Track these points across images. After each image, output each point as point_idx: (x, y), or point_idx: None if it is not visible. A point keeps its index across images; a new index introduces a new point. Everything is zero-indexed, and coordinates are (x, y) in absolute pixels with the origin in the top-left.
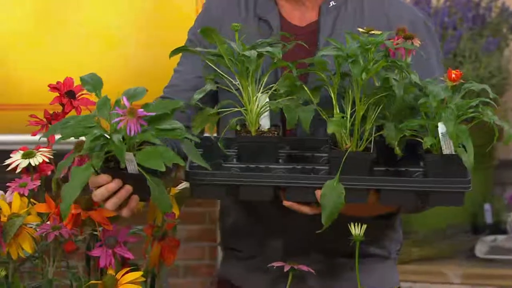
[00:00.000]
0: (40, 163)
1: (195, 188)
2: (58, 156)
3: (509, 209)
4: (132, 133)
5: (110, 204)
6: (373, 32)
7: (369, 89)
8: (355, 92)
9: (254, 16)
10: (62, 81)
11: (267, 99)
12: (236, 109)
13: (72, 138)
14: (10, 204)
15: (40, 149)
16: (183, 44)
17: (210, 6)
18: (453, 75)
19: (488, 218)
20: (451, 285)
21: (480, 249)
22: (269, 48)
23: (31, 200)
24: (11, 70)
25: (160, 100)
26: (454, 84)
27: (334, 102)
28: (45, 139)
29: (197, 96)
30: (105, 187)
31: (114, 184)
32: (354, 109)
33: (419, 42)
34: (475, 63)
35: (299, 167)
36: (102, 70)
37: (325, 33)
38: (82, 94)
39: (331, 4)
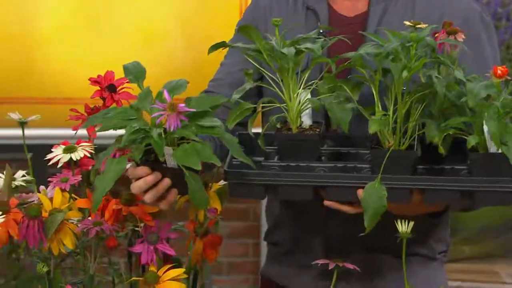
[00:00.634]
0: (81, 158)
1: (234, 188)
2: (99, 150)
3: None
4: (172, 128)
5: (149, 197)
6: (419, 26)
7: (413, 85)
8: (397, 89)
9: (302, 6)
10: (103, 75)
11: (309, 96)
12: (277, 106)
13: (113, 131)
14: (51, 199)
15: (81, 144)
16: (230, 37)
17: None
18: (499, 71)
19: None
20: (503, 284)
21: None
22: (308, 45)
23: (72, 195)
24: (54, 64)
25: (203, 94)
26: (499, 80)
27: (376, 99)
28: (86, 133)
29: (236, 95)
30: (143, 179)
31: (153, 177)
32: (397, 106)
33: (463, 37)
34: None
35: (340, 165)
36: (143, 64)
37: (373, 24)
38: (123, 88)
39: None
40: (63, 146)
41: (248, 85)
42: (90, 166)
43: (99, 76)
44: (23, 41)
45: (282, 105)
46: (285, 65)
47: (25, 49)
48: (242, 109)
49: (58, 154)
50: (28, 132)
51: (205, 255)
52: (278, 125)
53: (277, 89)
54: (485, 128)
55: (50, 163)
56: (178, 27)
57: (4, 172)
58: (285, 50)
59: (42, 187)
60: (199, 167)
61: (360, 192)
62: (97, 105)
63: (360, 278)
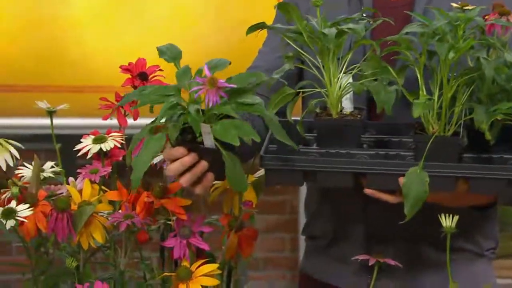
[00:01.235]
0: (111, 148)
1: (270, 174)
2: (129, 141)
3: None
4: (211, 103)
5: (185, 180)
6: (468, 7)
7: (461, 69)
8: (443, 72)
9: None
10: (134, 62)
11: (351, 80)
12: (317, 90)
13: (145, 122)
14: (80, 191)
15: (112, 134)
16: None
17: None
18: None
19: None
20: None
21: None
22: (351, 25)
23: (102, 187)
24: (83, 51)
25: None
26: None
27: (420, 83)
28: (116, 123)
29: (276, 76)
30: (180, 161)
31: (190, 158)
32: (442, 91)
33: None
34: None
35: (382, 153)
36: None
37: (420, 8)
38: (155, 76)
39: None
40: (93, 136)
41: (288, 66)
42: (120, 157)
43: (130, 63)
44: (52, 27)
45: (322, 90)
46: (326, 47)
47: (54, 35)
48: (284, 94)
49: (87, 145)
50: (57, 121)
51: (240, 250)
52: (318, 110)
53: (317, 73)
54: None
55: (80, 153)
56: (213, 11)
57: (32, 163)
58: (326, 31)
59: (71, 179)
60: (237, 143)
61: (401, 180)
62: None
63: (402, 273)
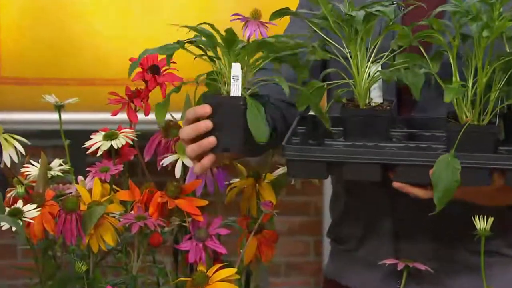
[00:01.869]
0: (122, 146)
1: (292, 166)
2: (141, 137)
3: None
4: (248, 33)
5: (185, 133)
6: None
7: (498, 53)
8: (477, 56)
9: None
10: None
11: (380, 69)
12: (344, 81)
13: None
14: (90, 191)
15: (123, 130)
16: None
17: None
18: None
19: None
20: None
21: None
22: (381, 8)
23: (113, 186)
24: (93, 42)
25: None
26: None
27: (453, 68)
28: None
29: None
30: (193, 126)
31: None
32: (477, 78)
33: None
34: None
35: (412, 145)
36: None
37: None
38: (167, 69)
39: None
40: (103, 133)
41: (312, 57)
42: (132, 155)
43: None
44: (59, 16)
45: (349, 80)
46: (353, 33)
47: (61, 25)
48: (313, 88)
49: (97, 141)
50: (65, 116)
51: (260, 253)
52: (344, 101)
53: (344, 62)
54: None
55: (89, 151)
56: (229, 2)
57: (39, 161)
58: (353, 13)
59: (80, 178)
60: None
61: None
62: (138, 88)
63: (431, 277)
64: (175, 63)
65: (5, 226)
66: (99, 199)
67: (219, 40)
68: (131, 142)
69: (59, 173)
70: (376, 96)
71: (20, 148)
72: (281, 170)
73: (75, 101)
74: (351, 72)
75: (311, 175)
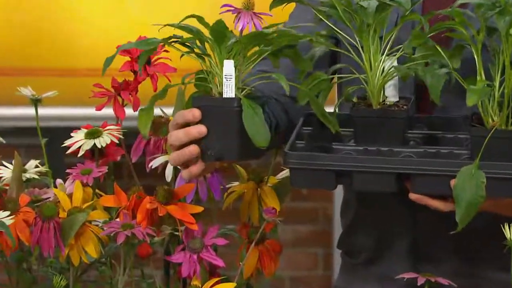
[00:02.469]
0: (107, 145)
1: (296, 174)
2: (129, 135)
3: None
4: (241, 25)
5: (173, 138)
6: None
7: None
8: (505, 53)
9: None
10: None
11: (395, 63)
12: (354, 76)
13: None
14: (70, 196)
15: (108, 127)
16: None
17: None
18: None
19: None
20: None
21: None
22: None
23: (97, 191)
24: (74, 27)
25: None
26: None
27: (477, 66)
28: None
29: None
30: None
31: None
32: (504, 76)
33: None
34: None
35: (432, 150)
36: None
37: None
38: (159, 59)
39: None
40: (86, 130)
41: (319, 50)
42: (118, 156)
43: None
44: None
45: (361, 75)
46: (365, 24)
47: (39, 9)
48: (318, 80)
49: (79, 140)
50: (42, 111)
51: (261, 266)
52: (355, 100)
53: (355, 56)
54: None
55: (69, 150)
56: None
57: (13, 162)
58: (364, 4)
59: (59, 181)
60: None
61: (454, 182)
62: (127, 79)
63: None
64: (168, 51)
65: None
66: (81, 205)
67: (207, 35)
68: (117, 141)
69: (35, 176)
70: (391, 95)
71: None
72: (286, 172)
73: (54, 94)
74: (363, 67)
75: (318, 186)
